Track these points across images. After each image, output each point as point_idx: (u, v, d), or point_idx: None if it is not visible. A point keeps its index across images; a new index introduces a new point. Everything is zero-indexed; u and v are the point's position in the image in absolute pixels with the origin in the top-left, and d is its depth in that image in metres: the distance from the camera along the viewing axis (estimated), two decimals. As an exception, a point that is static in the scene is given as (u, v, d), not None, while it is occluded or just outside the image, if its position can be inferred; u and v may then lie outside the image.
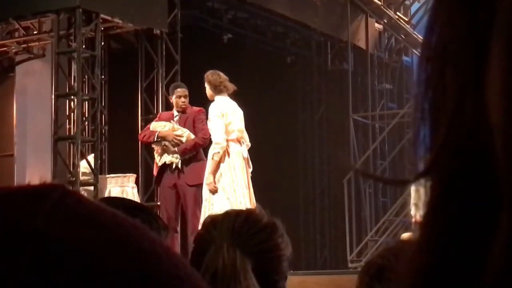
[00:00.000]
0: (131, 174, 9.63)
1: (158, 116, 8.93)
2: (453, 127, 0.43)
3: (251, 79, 12.24)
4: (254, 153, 12.02)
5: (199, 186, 8.18)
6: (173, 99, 8.57)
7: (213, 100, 8.25)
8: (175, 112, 8.57)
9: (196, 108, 8.61)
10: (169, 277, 0.48)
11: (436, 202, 0.44)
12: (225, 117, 8.10)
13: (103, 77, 10.69)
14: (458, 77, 0.43)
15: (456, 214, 0.43)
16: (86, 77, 9.95)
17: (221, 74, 8.43)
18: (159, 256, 0.49)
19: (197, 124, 8.47)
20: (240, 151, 8.17)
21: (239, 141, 8.20)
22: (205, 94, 8.33)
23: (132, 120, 10.21)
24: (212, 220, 1.92)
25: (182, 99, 8.51)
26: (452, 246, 0.43)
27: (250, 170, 8.25)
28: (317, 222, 13.45)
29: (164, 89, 10.29)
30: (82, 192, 9.46)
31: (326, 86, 13.77)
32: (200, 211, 8.07)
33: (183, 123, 8.46)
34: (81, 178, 9.37)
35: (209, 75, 8.37)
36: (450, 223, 0.43)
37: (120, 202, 2.48)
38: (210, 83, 8.24)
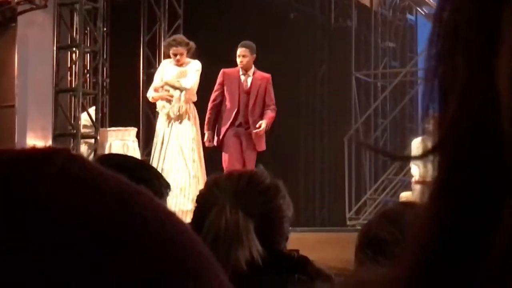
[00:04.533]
0: (132, 128, 9.63)
1: (222, 72, 8.55)
2: (462, 106, 0.43)
3: (253, 34, 12.16)
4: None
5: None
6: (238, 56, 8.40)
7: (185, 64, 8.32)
8: (240, 70, 8.41)
9: (265, 75, 8.53)
10: (173, 244, 0.48)
11: (444, 179, 0.44)
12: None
13: (105, 29, 10.63)
14: (468, 56, 0.43)
15: (463, 193, 0.43)
16: (88, 29, 9.89)
17: None
18: (163, 223, 0.49)
19: (268, 94, 8.38)
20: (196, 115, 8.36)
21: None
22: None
23: (134, 74, 10.18)
24: (215, 181, 1.92)
25: (240, 58, 8.38)
26: (457, 226, 0.43)
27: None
28: (317, 180, 13.49)
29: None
30: (83, 145, 9.48)
31: (329, 44, 13.71)
32: None
33: (256, 87, 8.32)
34: (82, 130, 9.38)
35: (189, 42, 8.36)
36: (456, 202, 0.43)
37: (124, 160, 2.47)
38: (191, 48, 8.26)
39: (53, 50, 9.71)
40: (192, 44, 8.32)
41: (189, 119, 8.31)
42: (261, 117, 8.31)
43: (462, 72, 0.43)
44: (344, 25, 13.53)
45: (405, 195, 9.67)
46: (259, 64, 12.06)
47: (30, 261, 0.44)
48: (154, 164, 8.09)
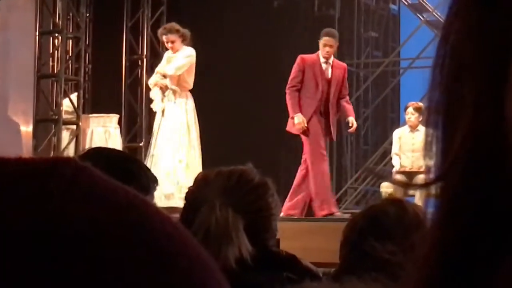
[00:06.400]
0: (114, 114, 9.59)
1: (301, 58, 8.44)
2: (470, 135, 0.43)
3: (236, 21, 12.15)
4: (237, 98, 12.02)
5: None
6: (320, 44, 8.30)
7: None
8: (321, 59, 8.30)
9: (343, 64, 8.48)
10: (180, 257, 0.48)
11: (449, 208, 0.44)
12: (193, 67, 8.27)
13: (88, 15, 10.57)
14: (475, 84, 0.42)
15: (470, 222, 0.43)
16: (71, 14, 9.83)
17: None
18: (170, 236, 0.49)
19: (345, 84, 8.35)
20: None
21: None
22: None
23: (117, 60, 10.13)
24: (204, 178, 1.93)
25: (327, 48, 8.29)
26: (463, 254, 0.43)
27: None
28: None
29: (149, 29, 10.19)
30: (64, 131, 9.43)
31: (312, 32, 13.69)
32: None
33: (336, 77, 8.23)
34: (64, 116, 9.34)
35: (180, 27, 8.36)
36: (463, 230, 0.43)
37: (111, 154, 2.47)
38: (184, 35, 8.22)
39: (35, 35, 9.64)
40: (183, 31, 8.26)
41: (180, 105, 8.28)
42: (337, 106, 8.30)
43: (470, 97, 0.42)
44: (327, 14, 13.52)
45: (386, 185, 9.71)
46: (243, 51, 12.06)
47: (40, 281, 0.44)
48: (149, 152, 8.23)
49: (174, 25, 8.39)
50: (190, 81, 8.34)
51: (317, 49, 13.35)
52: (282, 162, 13.28)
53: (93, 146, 9.01)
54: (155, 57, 9.36)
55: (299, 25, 13.76)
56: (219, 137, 10.71)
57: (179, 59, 8.29)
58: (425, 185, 0.46)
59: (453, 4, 0.44)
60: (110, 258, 0.45)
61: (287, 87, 8.26)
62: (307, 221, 8.35)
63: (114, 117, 9.54)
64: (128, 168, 2.28)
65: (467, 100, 0.43)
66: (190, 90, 8.41)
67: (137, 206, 0.49)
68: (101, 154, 2.38)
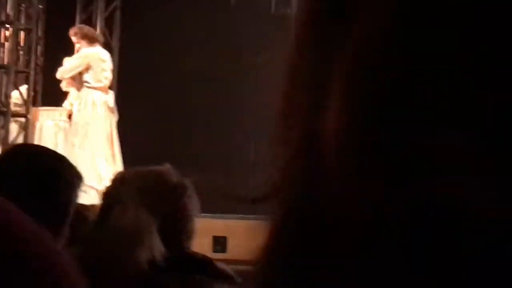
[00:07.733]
0: (64, 107, 9.51)
1: None
2: (295, 154, 0.42)
3: (192, 18, 12.14)
4: (192, 97, 12.02)
5: None
6: None
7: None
8: None
9: None
10: (46, 275, 0.49)
11: (276, 228, 0.43)
12: (104, 64, 8.57)
13: (40, 6, 10.45)
14: (303, 102, 0.42)
15: (293, 241, 0.42)
16: (23, 6, 9.73)
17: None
18: (37, 254, 0.49)
19: None
20: (106, 101, 8.54)
21: (106, 90, 8.60)
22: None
23: (68, 54, 10.04)
24: (121, 177, 1.91)
25: None
26: (287, 275, 0.42)
27: (116, 119, 8.67)
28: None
29: (102, 23, 10.12)
30: (13, 124, 9.33)
31: (268, 31, 13.73)
32: None
33: None
34: (13, 109, 9.25)
35: (82, 28, 8.81)
36: (287, 247, 0.43)
37: (36, 150, 2.44)
38: (86, 35, 8.51)
39: (-14, 26, 9.53)
40: (81, 33, 8.66)
41: (78, 105, 8.71)
42: None
43: (298, 116, 0.42)
44: (284, 12, 13.57)
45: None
46: (198, 49, 12.05)
47: None
48: None
49: (73, 27, 8.87)
50: (91, 79, 8.59)
51: (272, 47, 13.37)
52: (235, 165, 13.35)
53: (43, 139, 8.94)
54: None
55: (256, 23, 13.77)
56: (171, 139, 10.68)
57: (69, 60, 8.73)
58: (256, 202, 0.45)
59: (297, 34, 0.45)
60: None
61: None
62: (245, 219, 8.37)
63: (64, 111, 9.46)
64: (50, 165, 2.25)
65: (296, 116, 0.43)
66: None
67: (12, 229, 0.49)
68: (24, 150, 2.35)
